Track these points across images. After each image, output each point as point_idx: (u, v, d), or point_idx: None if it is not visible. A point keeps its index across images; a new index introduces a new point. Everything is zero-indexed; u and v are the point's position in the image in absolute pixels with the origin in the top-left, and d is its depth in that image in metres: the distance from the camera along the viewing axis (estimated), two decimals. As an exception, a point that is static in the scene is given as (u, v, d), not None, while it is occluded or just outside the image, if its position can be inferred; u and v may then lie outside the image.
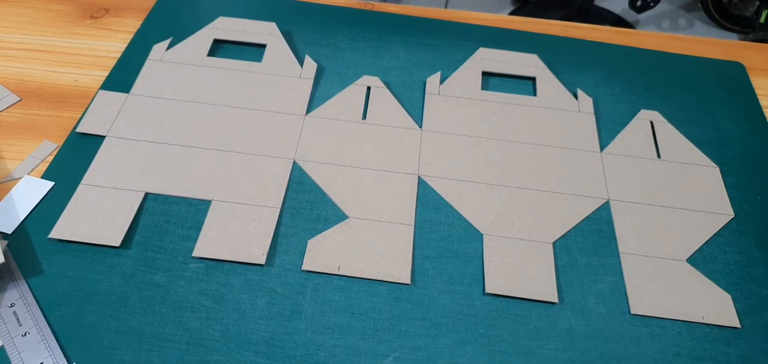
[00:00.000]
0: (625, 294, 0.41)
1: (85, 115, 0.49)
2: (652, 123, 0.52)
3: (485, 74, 0.56)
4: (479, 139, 0.49)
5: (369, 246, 0.42)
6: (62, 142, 0.48)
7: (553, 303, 0.40)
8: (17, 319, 0.37)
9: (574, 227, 0.44)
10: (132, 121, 0.49)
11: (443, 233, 0.43)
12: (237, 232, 0.42)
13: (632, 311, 0.40)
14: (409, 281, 0.40)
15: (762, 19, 1.46)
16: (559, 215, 0.45)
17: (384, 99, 0.52)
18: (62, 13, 0.60)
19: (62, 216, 0.42)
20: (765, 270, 0.43)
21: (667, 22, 1.65)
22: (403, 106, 0.52)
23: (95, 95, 0.51)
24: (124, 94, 0.51)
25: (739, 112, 0.54)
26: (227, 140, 0.48)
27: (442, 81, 0.54)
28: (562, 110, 0.52)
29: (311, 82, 0.53)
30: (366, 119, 0.50)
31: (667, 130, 0.51)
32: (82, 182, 0.45)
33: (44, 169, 0.46)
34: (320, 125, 0.50)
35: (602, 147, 0.50)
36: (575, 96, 0.54)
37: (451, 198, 0.45)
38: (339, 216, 0.44)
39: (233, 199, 0.44)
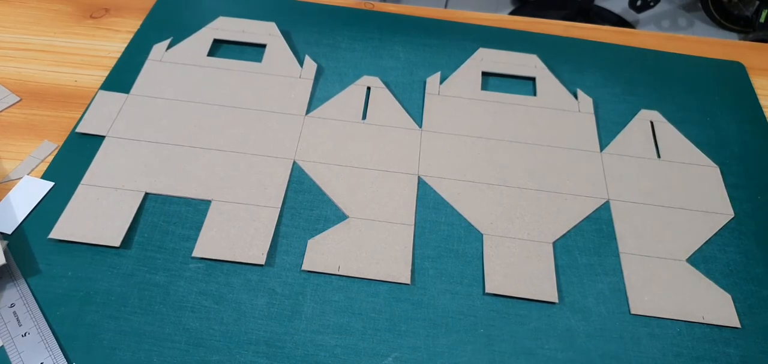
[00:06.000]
0: (625, 294, 0.41)
1: (85, 115, 0.49)
2: (652, 123, 0.52)
3: (485, 74, 0.56)
4: (479, 139, 0.49)
5: (369, 246, 0.42)
6: (62, 142, 0.48)
7: (553, 303, 0.40)
8: (17, 319, 0.37)
9: (574, 227, 0.44)
10: (132, 121, 0.49)
11: (443, 233, 0.43)
12: (237, 232, 0.42)
13: (632, 311, 0.40)
14: (409, 281, 0.40)
15: (762, 19, 1.46)
16: (559, 215, 0.45)
17: (384, 99, 0.52)
18: (62, 13, 0.60)
19: (62, 216, 0.42)
20: (765, 270, 0.43)
21: (667, 22, 1.65)
22: (403, 106, 0.52)
23: (95, 95, 0.51)
24: (124, 95, 0.51)
25: (739, 112, 0.54)
26: (227, 140, 0.48)
27: (442, 81, 0.54)
28: (562, 110, 0.52)
29: (311, 82, 0.53)
30: (366, 119, 0.50)
31: (667, 130, 0.51)
32: (82, 182, 0.45)
33: (44, 169, 0.46)
34: (320, 125, 0.50)
35: (602, 147, 0.50)
36: (575, 96, 0.54)
37: (451, 198, 0.45)
38: (339, 216, 0.44)
39: (233, 199, 0.44)
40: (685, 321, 0.40)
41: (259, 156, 0.47)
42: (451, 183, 0.46)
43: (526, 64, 0.56)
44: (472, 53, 0.57)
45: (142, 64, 0.54)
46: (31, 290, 0.39)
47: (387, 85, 0.54)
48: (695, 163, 0.49)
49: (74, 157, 0.47)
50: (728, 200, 0.47)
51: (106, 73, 0.54)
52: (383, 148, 0.48)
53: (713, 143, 0.51)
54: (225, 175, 0.46)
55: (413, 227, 0.43)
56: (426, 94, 0.53)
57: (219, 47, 0.57)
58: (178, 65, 0.54)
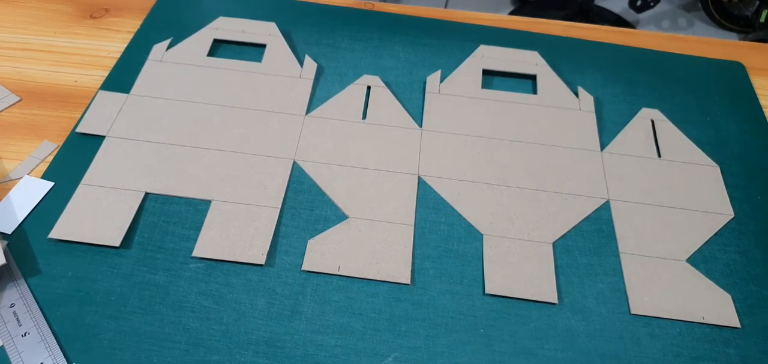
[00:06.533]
0: (625, 294, 0.41)
1: (85, 115, 0.49)
2: (652, 122, 0.52)
3: (486, 72, 0.56)
4: (479, 139, 0.49)
5: (369, 246, 0.42)
6: (62, 143, 0.48)
7: (553, 303, 0.40)
8: (17, 319, 0.37)
9: (574, 227, 0.44)
10: (132, 121, 0.49)
11: (443, 233, 0.43)
12: (237, 232, 0.42)
13: (632, 311, 0.40)
14: (409, 281, 0.40)
15: (762, 19, 1.46)
16: (559, 215, 0.45)
17: (384, 99, 0.52)
18: (62, 13, 0.60)
19: (62, 216, 0.42)
20: (765, 270, 0.43)
21: (667, 22, 1.65)
22: (403, 105, 0.52)
23: (95, 95, 0.51)
24: (124, 95, 0.51)
25: (739, 112, 0.54)
26: (227, 140, 0.48)
27: (442, 80, 0.54)
28: (563, 108, 0.52)
29: (311, 82, 0.53)
30: (366, 119, 0.50)
31: (668, 129, 0.51)
32: (82, 181, 0.45)
33: (44, 169, 0.46)
34: (320, 125, 0.50)
35: (602, 146, 0.50)
36: (576, 94, 0.54)
37: (451, 198, 0.45)
38: (339, 216, 0.44)
39: (233, 199, 0.44)
40: (685, 321, 0.40)
41: (259, 156, 0.47)
42: (451, 183, 0.46)
43: (527, 60, 0.56)
44: (472, 53, 0.57)
45: (142, 64, 0.54)
46: (31, 290, 0.39)
47: (387, 85, 0.54)
48: (696, 163, 0.49)
49: (74, 157, 0.47)
50: (728, 200, 0.47)
51: (106, 73, 0.54)
52: (383, 148, 0.48)
53: (713, 143, 0.51)
54: (225, 175, 0.46)
55: (413, 227, 0.43)
56: (426, 93, 0.53)
57: (219, 47, 0.57)
58: (178, 65, 0.54)
